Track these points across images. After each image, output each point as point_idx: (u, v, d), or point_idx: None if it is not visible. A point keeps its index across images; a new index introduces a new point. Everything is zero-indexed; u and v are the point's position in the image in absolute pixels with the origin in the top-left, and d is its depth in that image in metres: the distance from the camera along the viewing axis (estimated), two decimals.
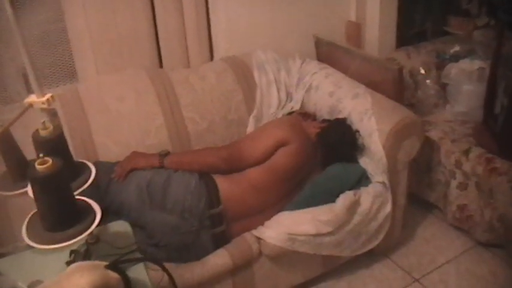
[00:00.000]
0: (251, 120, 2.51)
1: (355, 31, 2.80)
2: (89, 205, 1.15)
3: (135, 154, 2.14)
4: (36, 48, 2.34)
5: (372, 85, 2.43)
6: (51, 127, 1.20)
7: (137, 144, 2.28)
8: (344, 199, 2.13)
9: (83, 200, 1.17)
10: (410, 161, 2.31)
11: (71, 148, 2.16)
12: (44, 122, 1.21)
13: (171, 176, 2.04)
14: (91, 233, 1.48)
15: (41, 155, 1.04)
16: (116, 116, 2.29)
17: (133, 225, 1.98)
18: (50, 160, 1.04)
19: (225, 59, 2.60)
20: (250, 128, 2.50)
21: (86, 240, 1.46)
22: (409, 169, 2.32)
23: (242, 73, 2.55)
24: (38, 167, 1.04)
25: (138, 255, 1.41)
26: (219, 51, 2.65)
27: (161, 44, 2.49)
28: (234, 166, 2.11)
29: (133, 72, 2.39)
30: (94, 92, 2.32)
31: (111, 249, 1.45)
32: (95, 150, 2.25)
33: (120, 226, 1.55)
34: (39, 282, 1.33)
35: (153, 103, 2.34)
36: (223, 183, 2.06)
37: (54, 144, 1.19)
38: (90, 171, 1.27)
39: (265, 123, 2.41)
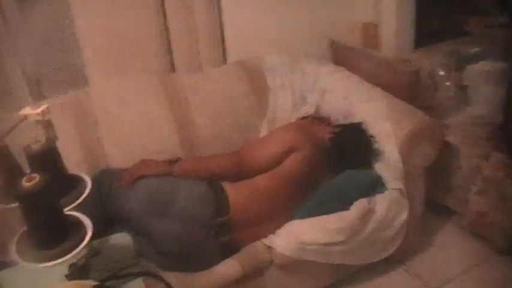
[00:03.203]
0: (264, 124, 2.44)
1: (372, 32, 2.70)
2: (80, 221, 1.09)
3: (144, 161, 2.09)
4: (46, 54, 2.32)
5: (388, 88, 2.33)
6: (43, 140, 1.15)
7: (147, 150, 2.23)
8: (358, 207, 2.04)
9: (74, 215, 1.11)
10: (428, 166, 2.22)
11: (79, 155, 2.18)
12: (35, 136, 1.16)
13: (179, 184, 1.98)
14: (91, 245, 1.46)
15: (27, 171, 0.99)
16: (126, 121, 2.25)
17: (140, 232, 1.97)
18: (37, 177, 0.99)
19: (237, 62, 2.53)
20: (263, 133, 2.43)
21: (87, 254, 1.42)
22: (426, 174, 2.23)
23: (255, 77, 2.48)
24: (24, 183, 0.99)
25: (137, 269, 1.36)
26: (232, 55, 2.58)
27: (173, 48, 2.43)
28: (243, 173, 2.04)
29: (144, 77, 2.34)
30: (104, 98, 2.28)
31: (110, 262, 1.40)
32: (105, 156, 2.21)
33: (121, 238, 1.49)
34: None
35: (164, 108, 2.29)
36: (232, 191, 2.00)
37: (46, 158, 1.14)
38: (86, 185, 1.21)
39: (276, 128, 2.34)
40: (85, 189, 1.19)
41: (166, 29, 2.39)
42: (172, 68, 2.48)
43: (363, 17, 2.77)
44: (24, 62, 2.31)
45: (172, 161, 2.06)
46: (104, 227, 2.01)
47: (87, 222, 1.10)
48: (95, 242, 1.50)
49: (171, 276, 1.87)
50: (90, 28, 2.26)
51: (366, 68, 2.46)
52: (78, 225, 1.09)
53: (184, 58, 2.46)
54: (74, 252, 1.01)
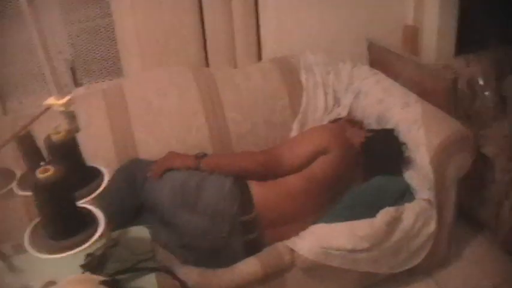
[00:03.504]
0: (295, 124, 2.40)
1: (412, 36, 2.62)
2: (94, 214, 1.09)
3: (171, 154, 2.09)
4: (83, 42, 2.34)
5: (424, 94, 2.25)
6: (63, 132, 1.15)
7: (177, 142, 2.22)
8: (385, 214, 1.98)
9: (87, 208, 1.11)
10: (461, 177, 2.14)
11: (109, 143, 2.20)
12: (56, 127, 1.16)
13: (205, 179, 1.97)
14: (110, 236, 1.47)
15: (42, 163, 0.99)
16: (158, 112, 2.24)
17: (166, 224, 1.97)
18: (51, 169, 0.99)
19: (272, 60, 2.49)
20: (294, 133, 2.39)
21: (105, 244, 1.42)
22: (458, 185, 2.15)
23: (289, 75, 2.43)
24: (39, 175, 0.99)
25: (152, 263, 1.36)
26: (268, 52, 2.54)
27: (208, 43, 2.41)
28: (271, 172, 2.01)
29: (177, 70, 2.33)
30: (137, 88, 2.28)
31: (128, 254, 1.40)
32: (135, 146, 2.21)
33: (140, 232, 1.49)
34: (51, 283, 1.29)
35: (196, 101, 2.28)
36: (258, 189, 1.97)
37: (65, 150, 1.14)
38: (103, 177, 1.21)
39: (307, 129, 2.30)
40: (102, 182, 1.18)
41: (202, 23, 2.37)
42: (207, 63, 2.46)
43: (405, 19, 2.68)
44: (61, 48, 2.35)
45: (199, 156, 2.05)
46: (132, 216, 2.04)
47: (99, 215, 1.09)
48: (115, 233, 1.51)
49: (192, 272, 1.88)
50: (126, 19, 2.27)
51: (403, 72, 2.38)
52: (92, 218, 1.09)
53: (219, 53, 2.44)
54: (84, 246, 1.01)
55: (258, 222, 1.94)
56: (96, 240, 1.07)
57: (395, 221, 2.00)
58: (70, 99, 1.22)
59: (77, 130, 1.25)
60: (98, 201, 2.04)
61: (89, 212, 1.10)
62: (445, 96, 2.22)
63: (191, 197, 1.94)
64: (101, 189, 1.17)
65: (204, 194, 1.93)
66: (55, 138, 1.13)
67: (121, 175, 2.07)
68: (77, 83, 2.40)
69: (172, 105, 2.26)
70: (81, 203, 1.10)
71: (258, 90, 2.37)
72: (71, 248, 1.03)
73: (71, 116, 1.23)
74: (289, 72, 2.44)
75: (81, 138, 2.17)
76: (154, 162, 2.09)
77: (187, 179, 1.98)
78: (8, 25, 2.20)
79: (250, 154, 2.10)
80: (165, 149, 2.15)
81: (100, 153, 2.17)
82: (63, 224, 1.02)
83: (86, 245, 1.00)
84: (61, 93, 2.31)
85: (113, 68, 2.40)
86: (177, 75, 2.32)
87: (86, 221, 1.07)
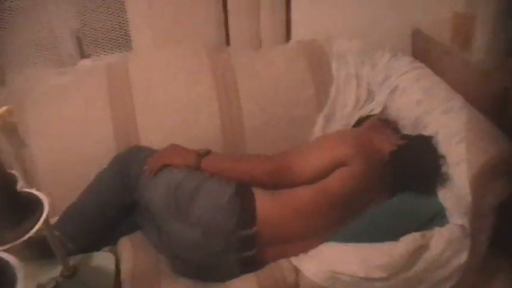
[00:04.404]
0: (320, 119, 2.08)
1: (464, 26, 2.20)
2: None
3: (173, 148, 1.81)
4: (92, 11, 2.07)
5: (472, 99, 1.90)
6: None
7: (183, 132, 1.97)
8: (409, 241, 1.67)
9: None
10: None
11: (109, 128, 1.94)
12: None
13: (204, 183, 1.69)
14: (66, 264, 1.23)
15: None
16: (164, 96, 1.98)
17: (157, 228, 1.73)
18: None
19: (300, 42, 2.16)
20: (317, 129, 2.08)
21: (61, 273, 1.19)
22: (497, 212, 1.81)
23: (317, 62, 2.10)
24: None
25: None
26: (298, 32, 2.21)
27: (229, 18, 2.09)
28: (279, 182, 1.71)
29: (190, 48, 2.04)
30: (143, 67, 2.02)
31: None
32: (137, 132, 1.96)
33: (104, 259, 1.25)
34: None
35: (208, 86, 1.99)
36: (263, 201, 1.68)
37: None
38: (42, 209, 0.95)
39: (326, 134, 1.99)
40: (39, 219, 0.93)
41: None
42: (228, 42, 2.15)
43: (455, 5, 2.26)
44: (66, 16, 2.09)
45: (201, 154, 1.77)
46: (125, 213, 1.82)
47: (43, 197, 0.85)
48: (75, 259, 1.28)
49: (180, 286, 1.65)
50: None
51: (449, 69, 2.02)
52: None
53: (242, 32, 2.13)
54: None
55: (261, 238, 1.66)
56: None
57: (420, 249, 1.69)
58: (9, 110, 0.96)
59: (22, 145, 1.00)
60: (88, 195, 1.85)
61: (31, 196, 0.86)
62: (496, 104, 1.86)
63: (184, 203, 1.67)
64: (37, 226, 0.92)
65: (198, 202, 1.66)
66: None
67: (115, 166, 1.83)
68: (83, 54, 2.15)
69: (181, 88, 1.99)
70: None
71: (280, 78, 2.05)
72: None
73: (12, 130, 0.97)
74: (317, 59, 2.10)
75: (79, 121, 1.96)
76: (155, 152, 1.84)
77: (183, 181, 1.70)
78: None
79: (258, 159, 1.79)
80: (169, 137, 1.91)
81: (98, 138, 1.94)
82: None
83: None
84: (65, 64, 2.07)
85: (121, 40, 2.12)
86: (189, 55, 2.03)
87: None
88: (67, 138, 1.94)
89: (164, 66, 2.01)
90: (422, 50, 2.19)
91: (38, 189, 1.83)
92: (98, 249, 1.74)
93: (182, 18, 2.05)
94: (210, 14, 2.07)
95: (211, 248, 1.64)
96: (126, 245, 1.79)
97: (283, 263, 1.70)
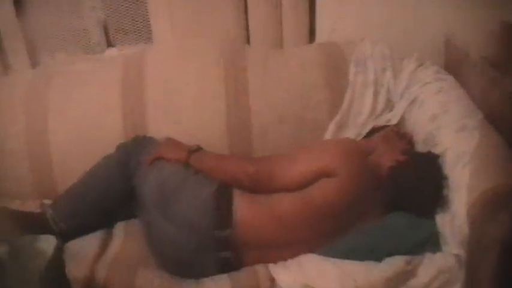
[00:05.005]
0: (332, 125, 1.98)
1: (508, 36, 1.99)
2: None
3: (168, 141, 1.81)
4: (117, 2, 2.12)
5: (494, 119, 1.72)
6: None
7: (189, 126, 1.96)
8: (390, 265, 1.54)
9: None
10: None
11: (118, 115, 1.98)
12: None
13: (188, 179, 1.68)
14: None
15: None
16: (174, 90, 1.98)
17: (144, 217, 1.74)
18: None
19: (321, 44, 2.06)
20: (328, 135, 1.98)
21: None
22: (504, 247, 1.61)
23: (334, 65, 2.00)
24: None
25: None
26: (322, 34, 2.11)
27: (250, 15, 2.04)
28: (260, 186, 1.65)
29: (205, 43, 2.02)
30: (157, 60, 2.02)
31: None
32: (144, 123, 1.98)
33: (46, 243, 1.25)
34: None
35: (217, 82, 1.96)
36: (243, 203, 1.63)
37: None
38: None
39: (316, 143, 1.88)
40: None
41: None
42: (248, 40, 2.10)
43: (501, 12, 2.01)
44: (94, 4, 2.15)
45: (192, 150, 1.75)
46: (123, 199, 1.85)
47: None
48: (21, 239, 1.30)
49: (155, 278, 1.63)
50: None
51: (477, 84, 1.83)
52: None
53: (262, 30, 2.07)
54: None
55: (237, 240, 1.61)
56: None
57: (405, 274, 1.56)
58: None
59: None
60: (86, 178, 1.90)
61: None
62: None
63: (168, 198, 1.67)
64: None
65: (180, 198, 1.65)
66: None
67: (117, 154, 1.86)
68: (109, 43, 2.21)
69: (190, 83, 1.97)
70: None
71: (293, 79, 1.98)
72: None
73: None
74: (335, 62, 2.00)
75: (93, 108, 2.01)
76: (157, 143, 1.85)
77: (171, 175, 1.71)
78: None
79: (241, 160, 1.75)
80: (175, 132, 1.90)
81: (108, 126, 1.99)
82: None
83: None
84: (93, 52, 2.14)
85: (145, 32, 2.15)
86: (204, 49, 2.01)
87: None
88: (81, 123, 1.99)
89: (177, 60, 2.02)
90: (454, 61, 2.00)
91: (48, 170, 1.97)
92: (91, 231, 1.82)
93: (202, 13, 2.04)
94: (230, 11, 2.02)
95: (187, 245, 1.62)
96: (120, 230, 1.85)
97: (259, 269, 1.64)
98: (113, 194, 1.83)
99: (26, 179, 1.99)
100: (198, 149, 1.76)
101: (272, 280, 1.61)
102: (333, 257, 1.61)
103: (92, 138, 1.98)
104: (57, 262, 1.23)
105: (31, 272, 1.18)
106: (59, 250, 1.29)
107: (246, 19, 2.07)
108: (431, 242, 1.62)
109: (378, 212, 1.69)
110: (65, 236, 1.70)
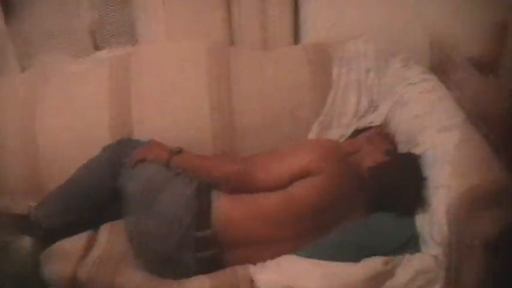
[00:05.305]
0: (315, 126, 1.97)
1: (498, 35, 1.96)
2: None
3: (151, 143, 1.82)
4: (106, 5, 2.13)
5: (481, 119, 1.69)
6: None
7: (174, 128, 1.96)
8: (368, 265, 1.53)
9: None
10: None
11: (106, 118, 1.99)
12: None
13: (169, 181, 1.68)
14: None
15: None
16: (158, 91, 1.98)
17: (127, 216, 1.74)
18: None
19: (306, 45, 2.06)
20: (312, 136, 1.97)
21: None
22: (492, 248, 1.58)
23: (319, 66, 1.99)
24: None
25: None
26: (308, 35, 2.10)
27: (233, 17, 2.05)
28: (241, 186, 1.66)
29: (189, 45, 2.03)
30: (143, 62, 2.02)
31: None
32: (131, 125, 1.98)
33: (21, 244, 1.26)
34: None
35: (201, 84, 1.96)
36: (225, 203, 1.63)
37: None
38: None
39: (298, 143, 1.87)
40: None
41: None
42: (232, 41, 2.11)
43: (492, 12, 2.00)
44: (82, 6, 2.16)
45: (173, 152, 1.75)
46: (109, 199, 1.86)
47: None
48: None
49: (136, 276, 1.63)
50: None
51: (464, 86, 1.81)
52: None
53: (247, 31, 2.07)
54: None
55: (218, 240, 1.61)
56: None
57: (382, 275, 1.55)
58: None
59: None
60: (72, 178, 1.91)
61: None
62: (500, 126, 1.64)
63: (151, 197, 1.66)
64: None
65: (162, 197, 1.65)
66: None
67: (104, 155, 1.87)
68: (98, 46, 2.21)
69: (174, 84, 1.97)
70: None
71: (276, 81, 1.97)
72: None
73: None
74: (319, 63, 1.99)
75: (78, 109, 2.02)
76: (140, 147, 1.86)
77: (154, 175, 1.71)
78: None
79: (222, 161, 1.76)
80: (161, 134, 1.89)
81: (94, 127, 1.99)
82: None
83: None
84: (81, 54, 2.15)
85: (132, 35, 2.16)
86: (187, 52, 2.01)
87: None
88: (69, 122, 2.00)
89: (163, 61, 2.02)
90: (439, 61, 1.98)
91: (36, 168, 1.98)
92: (77, 232, 1.82)
93: (187, 16, 2.04)
94: (215, 13, 2.03)
95: (169, 245, 1.62)
96: (105, 231, 1.84)
97: (239, 270, 1.62)
98: (103, 191, 1.83)
99: (15, 176, 1.99)
100: (180, 150, 1.77)
101: (252, 281, 1.61)
102: (316, 256, 1.60)
103: (81, 139, 1.98)
104: (32, 263, 1.23)
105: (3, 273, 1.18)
106: (35, 252, 1.29)
107: (229, 20, 2.06)
108: (412, 242, 1.61)
109: (361, 212, 1.68)
110: (53, 235, 1.72)
